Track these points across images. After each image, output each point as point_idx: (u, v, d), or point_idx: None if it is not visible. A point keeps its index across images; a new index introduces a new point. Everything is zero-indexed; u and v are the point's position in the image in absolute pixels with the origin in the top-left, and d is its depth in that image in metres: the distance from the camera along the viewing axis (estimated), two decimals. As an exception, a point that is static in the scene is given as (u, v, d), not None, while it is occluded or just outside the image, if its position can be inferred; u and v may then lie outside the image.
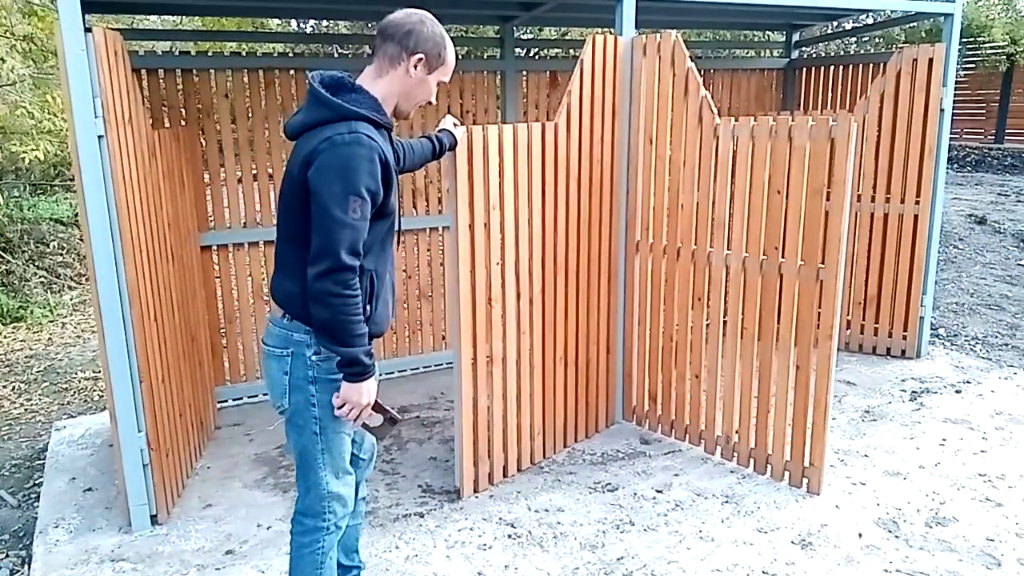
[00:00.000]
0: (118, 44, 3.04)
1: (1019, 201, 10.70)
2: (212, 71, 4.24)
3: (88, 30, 2.77)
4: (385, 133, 2.19)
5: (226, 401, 4.56)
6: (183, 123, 4.16)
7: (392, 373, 4.99)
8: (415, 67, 2.18)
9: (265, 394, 4.62)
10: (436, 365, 5.11)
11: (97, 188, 2.85)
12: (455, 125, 2.95)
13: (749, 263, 3.41)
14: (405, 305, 4.97)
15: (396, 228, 2.31)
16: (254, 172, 4.41)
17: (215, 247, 4.39)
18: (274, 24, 10.93)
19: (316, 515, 2.31)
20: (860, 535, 3.10)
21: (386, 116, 2.18)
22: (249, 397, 4.63)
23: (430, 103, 2.31)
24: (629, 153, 3.81)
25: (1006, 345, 5.42)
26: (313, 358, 2.18)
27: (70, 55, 2.72)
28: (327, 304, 2.04)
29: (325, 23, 9.22)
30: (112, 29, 3.11)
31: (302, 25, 10.20)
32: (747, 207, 3.38)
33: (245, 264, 4.50)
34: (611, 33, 3.69)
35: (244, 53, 4.60)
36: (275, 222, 2.27)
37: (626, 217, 3.88)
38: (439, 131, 2.89)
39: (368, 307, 2.19)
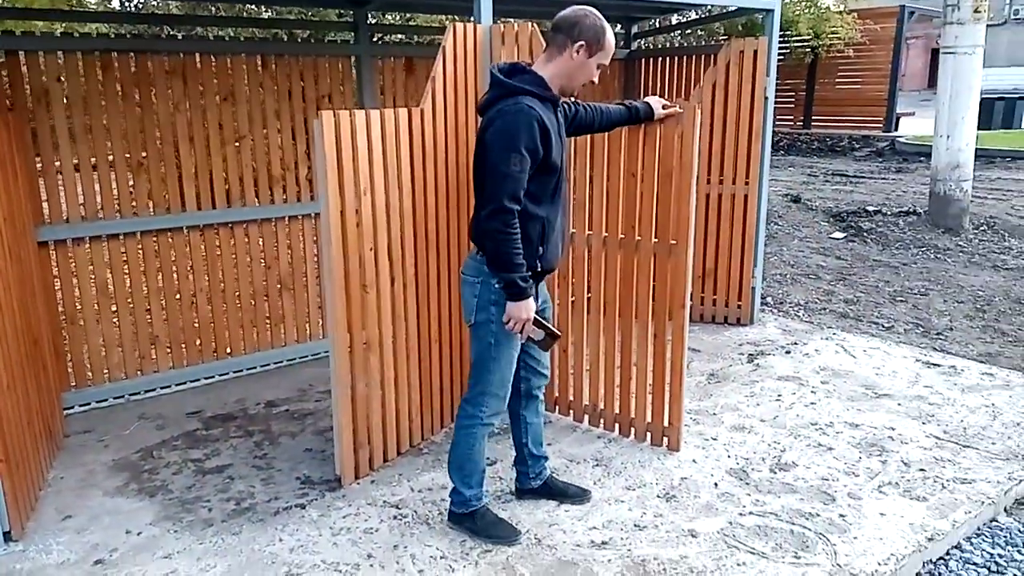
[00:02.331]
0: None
1: (827, 181, 11.89)
2: (41, 53, 3.92)
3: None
4: (550, 105, 2.71)
5: (72, 407, 4.26)
6: (9, 109, 3.82)
7: (255, 368, 4.85)
8: (577, 52, 2.69)
9: (116, 397, 4.40)
10: (301, 357, 5.02)
11: (-75, 180, 2.59)
12: (663, 107, 3.31)
13: (610, 242, 3.64)
14: (266, 297, 4.84)
15: (564, 183, 2.87)
16: (93, 161, 4.13)
17: (52, 242, 4.07)
18: (92, 2, 10.11)
19: (476, 405, 2.93)
20: (716, 485, 3.41)
21: (551, 91, 2.70)
22: (98, 402, 4.34)
23: (593, 82, 2.78)
24: (492, 139, 3.91)
25: (824, 310, 6.07)
26: (497, 286, 2.74)
27: None
28: (492, 239, 2.62)
29: (154, 2, 8.67)
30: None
31: (126, 4, 9.52)
32: (605, 189, 3.60)
33: (87, 260, 4.21)
34: (470, 21, 3.77)
35: (77, 35, 4.26)
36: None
37: (491, 201, 3.99)
38: (640, 101, 3.30)
39: (540, 248, 2.77)
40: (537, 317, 2.76)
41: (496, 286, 2.75)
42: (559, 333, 2.89)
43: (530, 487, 3.28)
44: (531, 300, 2.71)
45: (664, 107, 3.33)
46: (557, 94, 2.75)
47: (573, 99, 3.05)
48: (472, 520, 3.03)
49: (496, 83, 2.69)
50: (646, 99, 3.33)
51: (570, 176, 3.69)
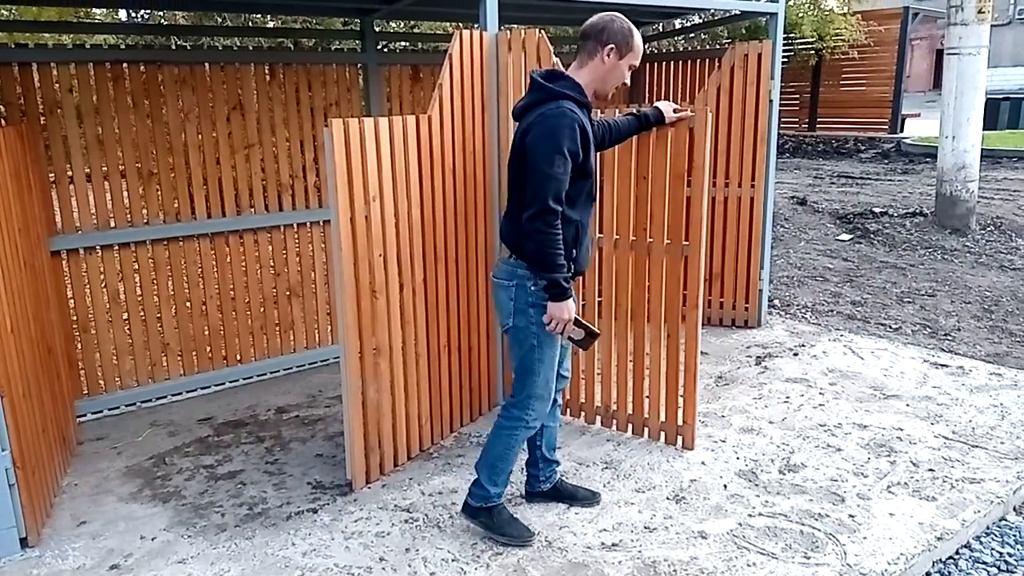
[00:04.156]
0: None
1: (833, 183, 11.88)
2: (53, 64, 3.97)
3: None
4: (585, 111, 2.78)
5: (85, 415, 4.30)
6: (23, 120, 3.87)
7: (264, 375, 4.88)
8: (608, 56, 2.77)
9: (128, 405, 4.43)
10: (310, 363, 5.05)
11: (-57, 191, 2.63)
12: (674, 111, 3.35)
13: (620, 244, 3.66)
14: (275, 304, 4.87)
15: (595, 188, 2.94)
16: (104, 170, 4.17)
17: (65, 252, 4.12)
18: (99, 14, 10.19)
19: (522, 408, 2.94)
20: (725, 487, 3.42)
21: (586, 98, 2.79)
22: (110, 409, 4.39)
23: (625, 84, 2.89)
24: (500, 145, 3.94)
25: (831, 311, 6.07)
26: (532, 288, 2.79)
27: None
28: (535, 239, 2.66)
29: (160, 13, 8.74)
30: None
31: (132, 15, 9.59)
32: (616, 192, 3.62)
33: (99, 269, 4.25)
34: (475, 28, 3.81)
35: (88, 46, 4.31)
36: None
37: (499, 207, 4.02)
38: (649, 108, 3.34)
39: (573, 250, 2.80)
40: (577, 317, 2.80)
41: (532, 288, 2.78)
42: (599, 332, 2.90)
43: (539, 490, 3.30)
44: (572, 300, 2.76)
45: (675, 111, 3.34)
46: (591, 99, 2.83)
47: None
48: (488, 515, 3.04)
49: (536, 87, 2.75)
50: (656, 104, 3.35)
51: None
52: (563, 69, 2.87)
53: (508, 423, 2.97)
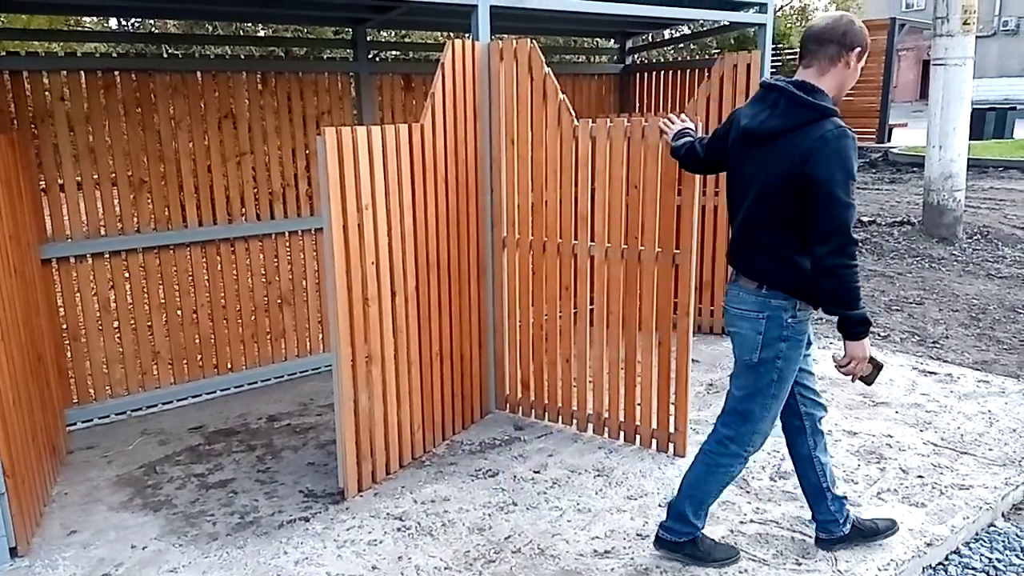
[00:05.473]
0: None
1: (820, 192, 11.94)
2: (45, 72, 3.97)
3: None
4: None
5: (75, 424, 4.27)
6: (15, 127, 3.86)
7: (256, 383, 4.87)
8: (854, 59, 2.55)
9: (118, 413, 4.41)
10: (302, 372, 5.04)
11: (-66, 198, 2.62)
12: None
13: (612, 252, 3.68)
14: (266, 312, 4.86)
15: None
16: (96, 178, 4.17)
17: (55, 260, 4.10)
18: (89, 22, 10.18)
19: (742, 444, 2.76)
20: (717, 494, 3.43)
21: None
22: (100, 418, 4.36)
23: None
24: (492, 153, 3.97)
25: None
26: (789, 320, 2.62)
27: None
28: (838, 275, 2.43)
29: (151, 22, 8.73)
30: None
31: (123, 23, 9.58)
32: (607, 201, 3.64)
33: (89, 277, 4.24)
34: (467, 37, 3.83)
35: (80, 54, 4.31)
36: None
37: (491, 215, 4.04)
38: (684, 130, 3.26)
39: None
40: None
41: (789, 320, 2.61)
42: (883, 363, 2.69)
43: (840, 534, 2.97)
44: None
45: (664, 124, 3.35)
46: None
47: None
48: (694, 546, 2.90)
49: (803, 104, 2.49)
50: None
51: (585, 189, 3.73)
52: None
53: (725, 460, 2.79)
